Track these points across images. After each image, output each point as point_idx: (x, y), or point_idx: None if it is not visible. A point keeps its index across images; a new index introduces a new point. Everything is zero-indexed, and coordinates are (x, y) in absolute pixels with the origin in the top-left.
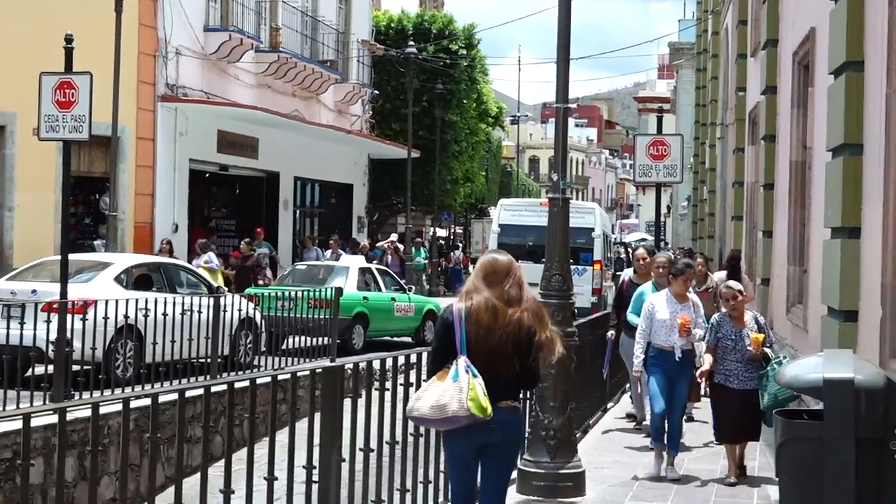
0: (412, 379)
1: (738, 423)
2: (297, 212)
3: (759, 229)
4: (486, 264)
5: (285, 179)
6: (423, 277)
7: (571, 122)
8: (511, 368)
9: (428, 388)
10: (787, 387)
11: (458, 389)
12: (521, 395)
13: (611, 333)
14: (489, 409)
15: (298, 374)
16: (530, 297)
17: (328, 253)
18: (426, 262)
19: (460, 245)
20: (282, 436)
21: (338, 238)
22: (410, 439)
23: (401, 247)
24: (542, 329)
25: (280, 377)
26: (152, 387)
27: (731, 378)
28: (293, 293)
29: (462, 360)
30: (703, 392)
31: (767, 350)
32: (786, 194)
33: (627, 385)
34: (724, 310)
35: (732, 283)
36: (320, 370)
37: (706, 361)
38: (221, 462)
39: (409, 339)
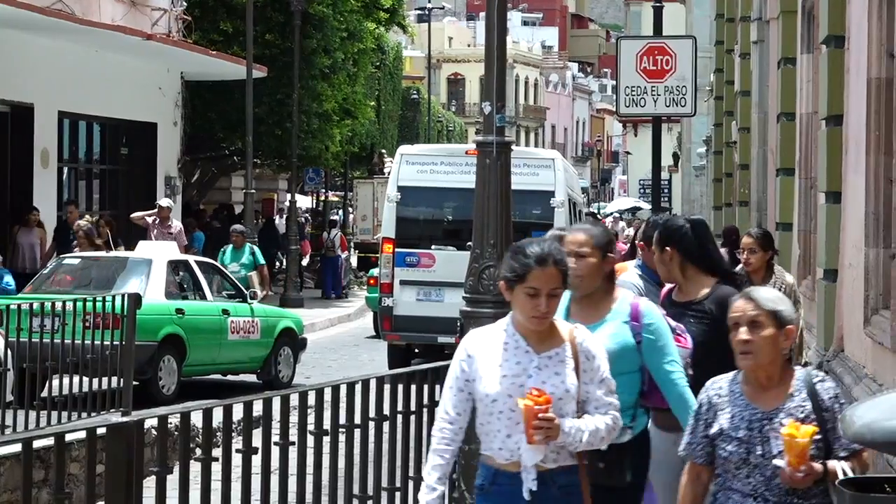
0: (257, 441)
1: None
2: (66, 170)
3: (821, 190)
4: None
5: (44, 116)
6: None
7: (516, 17)
8: None
9: None
10: (857, 440)
11: None
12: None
13: None
14: None
15: (69, 437)
16: None
17: None
18: (254, 273)
19: (338, 219)
20: None
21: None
22: None
23: (104, 231)
24: None
25: (37, 443)
26: None
27: None
28: (60, 305)
29: None
30: None
31: (839, 467)
32: (862, 132)
33: None
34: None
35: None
36: (105, 430)
37: None
38: None
39: (253, 379)
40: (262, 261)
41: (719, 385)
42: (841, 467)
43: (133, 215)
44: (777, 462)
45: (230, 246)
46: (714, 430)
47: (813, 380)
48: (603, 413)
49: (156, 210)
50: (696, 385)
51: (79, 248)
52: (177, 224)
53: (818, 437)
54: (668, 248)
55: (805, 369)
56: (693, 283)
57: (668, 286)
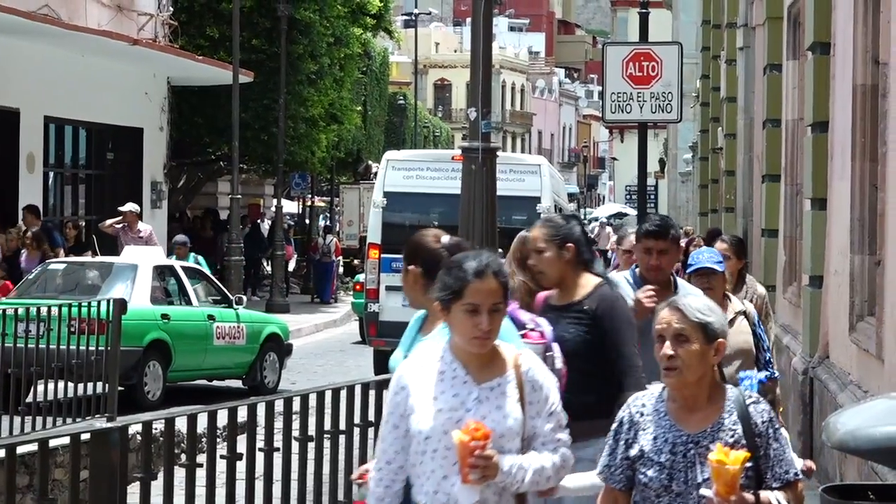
0: (242, 447)
1: None
2: (51, 175)
3: (806, 196)
4: None
5: (29, 121)
6: None
7: (503, 23)
8: None
9: None
10: (841, 448)
11: None
12: None
13: None
14: None
15: (53, 442)
16: None
17: None
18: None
19: (334, 224)
20: None
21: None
22: None
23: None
24: None
25: (22, 448)
26: None
27: None
28: (45, 310)
29: None
30: None
31: (773, 498)
32: (847, 138)
33: None
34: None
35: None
36: (89, 435)
37: None
38: None
39: (239, 384)
40: (206, 271)
41: (642, 402)
42: (775, 498)
43: (101, 224)
44: (704, 491)
45: (173, 257)
46: (634, 451)
47: (745, 401)
48: (551, 450)
49: (122, 217)
50: (574, 387)
51: (26, 253)
52: (146, 227)
53: (749, 464)
54: (570, 245)
55: (737, 389)
56: (580, 283)
57: (545, 293)
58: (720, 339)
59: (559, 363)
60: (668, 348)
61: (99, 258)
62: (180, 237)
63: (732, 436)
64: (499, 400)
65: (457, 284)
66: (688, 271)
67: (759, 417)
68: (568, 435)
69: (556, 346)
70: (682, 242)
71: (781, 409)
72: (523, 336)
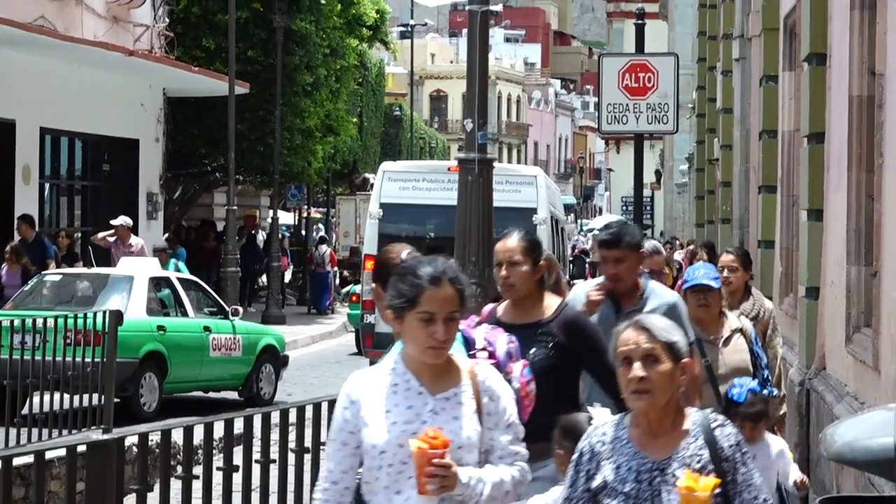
0: (237, 460)
1: None
2: (47, 186)
3: (803, 207)
4: None
5: (25, 132)
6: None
7: (499, 34)
8: None
9: None
10: (838, 459)
11: None
12: None
13: None
14: None
15: (49, 454)
16: None
17: None
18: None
19: (331, 234)
20: None
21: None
22: None
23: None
24: None
25: (18, 460)
26: None
27: None
28: (41, 321)
29: None
30: None
31: None
32: (844, 149)
33: None
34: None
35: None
36: (85, 447)
37: None
38: None
39: (235, 396)
40: (187, 273)
41: (603, 431)
42: None
43: (93, 237)
44: None
45: None
46: (597, 482)
47: (711, 424)
48: (508, 463)
49: (113, 230)
50: (534, 409)
51: (7, 267)
52: (137, 241)
53: (717, 490)
54: (543, 263)
55: (703, 411)
56: (544, 303)
57: (490, 307)
58: (685, 360)
59: (516, 384)
60: (638, 370)
61: (95, 269)
62: (160, 243)
63: (699, 461)
64: (455, 410)
65: (411, 292)
66: (683, 288)
67: (726, 441)
68: (525, 448)
69: (517, 366)
70: (680, 256)
71: (780, 432)
72: (471, 357)
